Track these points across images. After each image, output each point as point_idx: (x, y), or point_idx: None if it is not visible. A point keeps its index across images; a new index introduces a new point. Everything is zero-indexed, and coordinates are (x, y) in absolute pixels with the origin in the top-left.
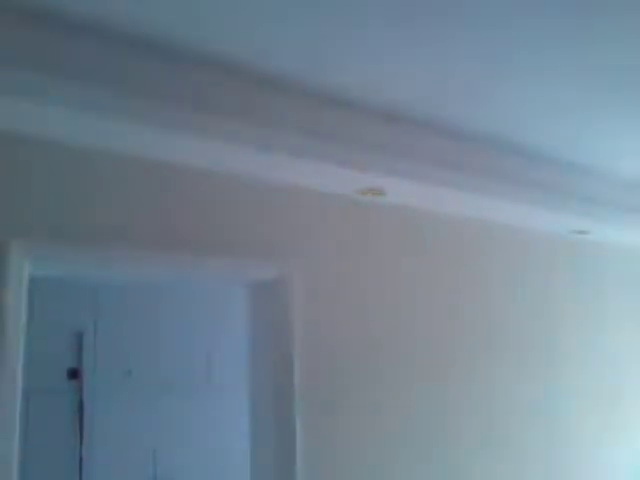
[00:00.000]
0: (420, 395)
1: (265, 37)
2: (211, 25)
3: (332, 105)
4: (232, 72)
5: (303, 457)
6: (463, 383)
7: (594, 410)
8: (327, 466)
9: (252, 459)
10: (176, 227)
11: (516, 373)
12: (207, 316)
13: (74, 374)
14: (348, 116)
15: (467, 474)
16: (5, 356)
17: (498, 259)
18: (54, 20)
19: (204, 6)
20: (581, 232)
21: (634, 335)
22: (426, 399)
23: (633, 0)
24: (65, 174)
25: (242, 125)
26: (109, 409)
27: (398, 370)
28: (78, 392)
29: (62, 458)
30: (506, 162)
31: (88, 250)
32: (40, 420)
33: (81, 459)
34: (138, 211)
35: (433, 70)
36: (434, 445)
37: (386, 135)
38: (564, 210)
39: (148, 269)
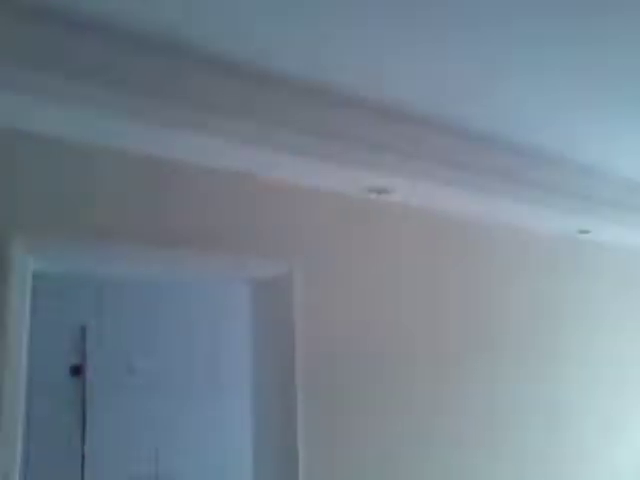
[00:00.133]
0: (421, 394)
1: (266, 36)
2: (212, 24)
3: (334, 104)
4: (232, 70)
5: (305, 456)
6: (464, 382)
7: (595, 410)
8: (329, 465)
9: (255, 458)
10: (178, 225)
11: (517, 373)
12: (210, 314)
13: (77, 371)
14: (350, 115)
15: (468, 472)
16: (9, 353)
17: (499, 258)
18: (55, 18)
19: (205, 5)
20: (582, 231)
21: (635, 335)
22: (427, 398)
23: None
24: (66, 171)
25: (243, 123)
26: (111, 406)
27: (400, 369)
28: (80, 389)
29: (64, 455)
30: (507, 161)
31: (89, 247)
32: (42, 417)
33: (83, 456)
34: (141, 208)
35: (434, 69)
36: (435, 444)
37: (388, 134)
38: (565, 209)
39: (150, 266)
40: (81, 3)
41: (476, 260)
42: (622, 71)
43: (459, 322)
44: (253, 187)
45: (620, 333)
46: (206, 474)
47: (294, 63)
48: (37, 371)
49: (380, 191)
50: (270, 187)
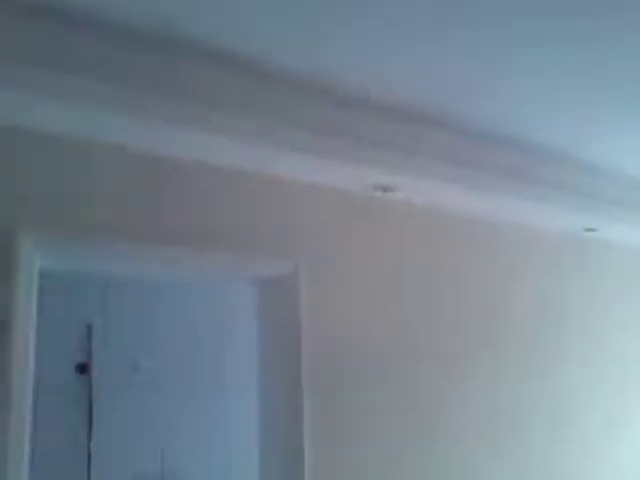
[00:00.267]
0: (425, 392)
1: (267, 32)
2: (213, 20)
3: (335, 101)
4: (233, 66)
5: (311, 454)
6: (468, 380)
7: (598, 408)
8: (334, 464)
9: (261, 458)
10: (181, 223)
11: (521, 370)
12: (215, 313)
13: (83, 369)
14: (352, 113)
15: (471, 470)
16: (16, 351)
17: (503, 256)
18: (54, 13)
19: (206, 1)
20: (588, 230)
21: (638, 333)
22: (431, 396)
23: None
24: (66, 168)
25: (244, 120)
26: (117, 405)
27: (404, 367)
28: (86, 387)
29: (70, 453)
30: (512, 159)
31: (92, 244)
32: (49, 415)
33: (89, 455)
34: (140, 207)
35: (435, 68)
36: (439, 442)
37: (391, 132)
38: (571, 207)
39: (152, 264)
40: None
41: (480, 258)
42: (623, 71)
43: (463, 320)
44: (255, 185)
45: (624, 331)
46: (212, 473)
47: (295, 60)
48: (43, 369)
49: (384, 189)
50: (272, 184)
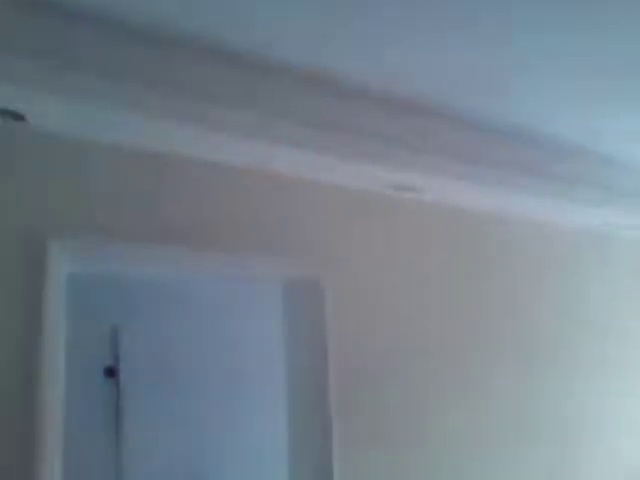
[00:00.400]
0: (455, 406)
1: (267, 25)
2: (212, 13)
3: (337, 95)
4: (233, 60)
5: (340, 456)
6: (496, 391)
7: (623, 409)
8: (364, 464)
9: (290, 459)
10: (181, 222)
11: (524, 372)
12: (244, 315)
13: (111, 372)
14: (359, 106)
15: (471, 470)
16: (46, 356)
17: (524, 255)
18: (53, 8)
19: None
20: (607, 224)
21: None
22: (460, 411)
23: None
24: (70, 169)
25: (245, 115)
26: (145, 408)
27: (425, 369)
28: (114, 391)
29: (99, 458)
30: (529, 155)
31: (118, 247)
32: (78, 419)
33: (118, 458)
34: (138, 205)
35: (437, 59)
36: (472, 459)
37: (399, 127)
38: (588, 202)
39: (182, 267)
40: None
41: (501, 257)
42: (634, 61)
43: (485, 322)
44: (261, 181)
45: (632, 332)
46: (241, 475)
47: (296, 52)
48: (72, 373)
49: (406, 188)
50: (282, 181)
